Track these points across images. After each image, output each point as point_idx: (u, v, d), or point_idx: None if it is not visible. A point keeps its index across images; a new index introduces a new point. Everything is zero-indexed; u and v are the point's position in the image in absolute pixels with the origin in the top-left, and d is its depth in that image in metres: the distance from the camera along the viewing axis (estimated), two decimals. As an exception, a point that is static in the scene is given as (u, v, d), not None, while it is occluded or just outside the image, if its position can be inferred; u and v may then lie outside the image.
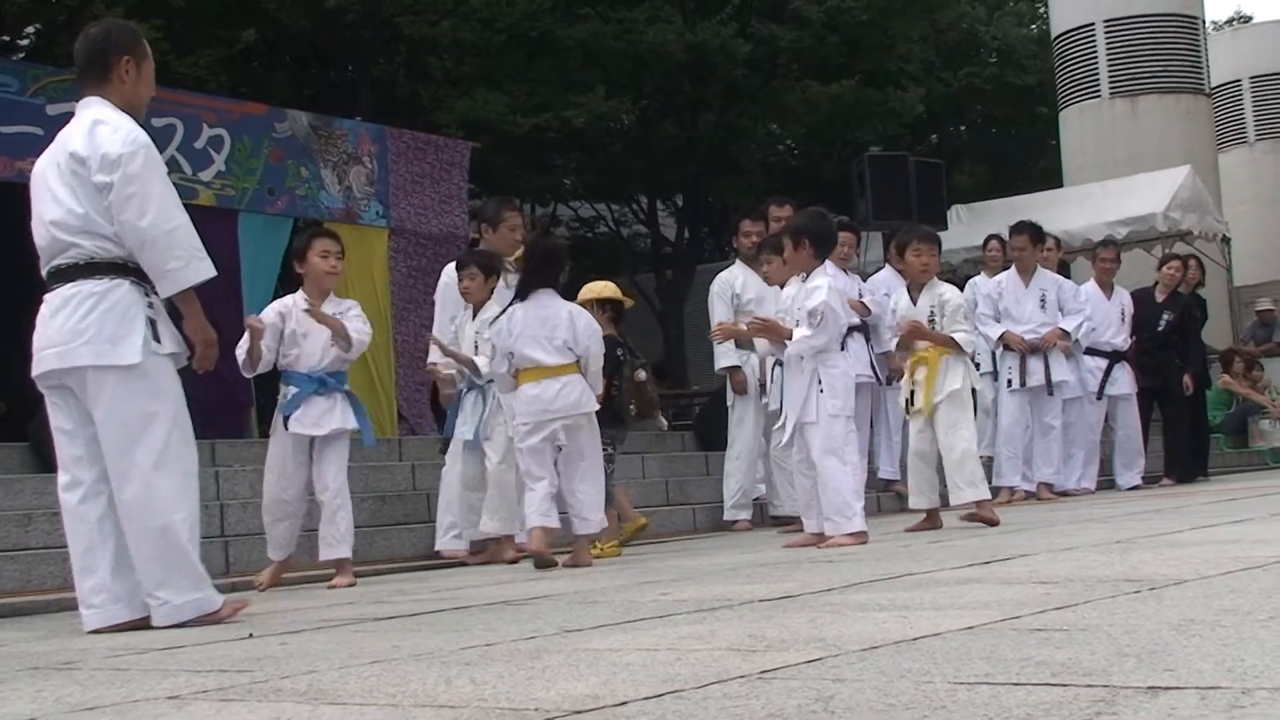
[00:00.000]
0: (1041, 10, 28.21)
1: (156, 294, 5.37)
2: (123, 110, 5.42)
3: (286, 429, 7.41)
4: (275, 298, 12.92)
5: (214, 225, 12.03)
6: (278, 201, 12.38)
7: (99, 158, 5.21)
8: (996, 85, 27.57)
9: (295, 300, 7.61)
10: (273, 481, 7.53)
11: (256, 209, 12.19)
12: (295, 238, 7.82)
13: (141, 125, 5.46)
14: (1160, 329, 13.25)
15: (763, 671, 2.88)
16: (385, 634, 4.40)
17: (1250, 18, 45.03)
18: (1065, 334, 11.73)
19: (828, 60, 22.64)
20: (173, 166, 11.56)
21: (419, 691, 3.00)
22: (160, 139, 11.46)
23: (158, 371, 5.29)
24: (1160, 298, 13.38)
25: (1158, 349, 13.25)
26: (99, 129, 5.28)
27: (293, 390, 7.45)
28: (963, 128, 30.67)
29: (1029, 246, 12.08)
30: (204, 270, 5.33)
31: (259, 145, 12.24)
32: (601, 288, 8.78)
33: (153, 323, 5.31)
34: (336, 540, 7.47)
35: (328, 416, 7.45)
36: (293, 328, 7.47)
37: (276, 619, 5.38)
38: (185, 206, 11.39)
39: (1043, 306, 11.92)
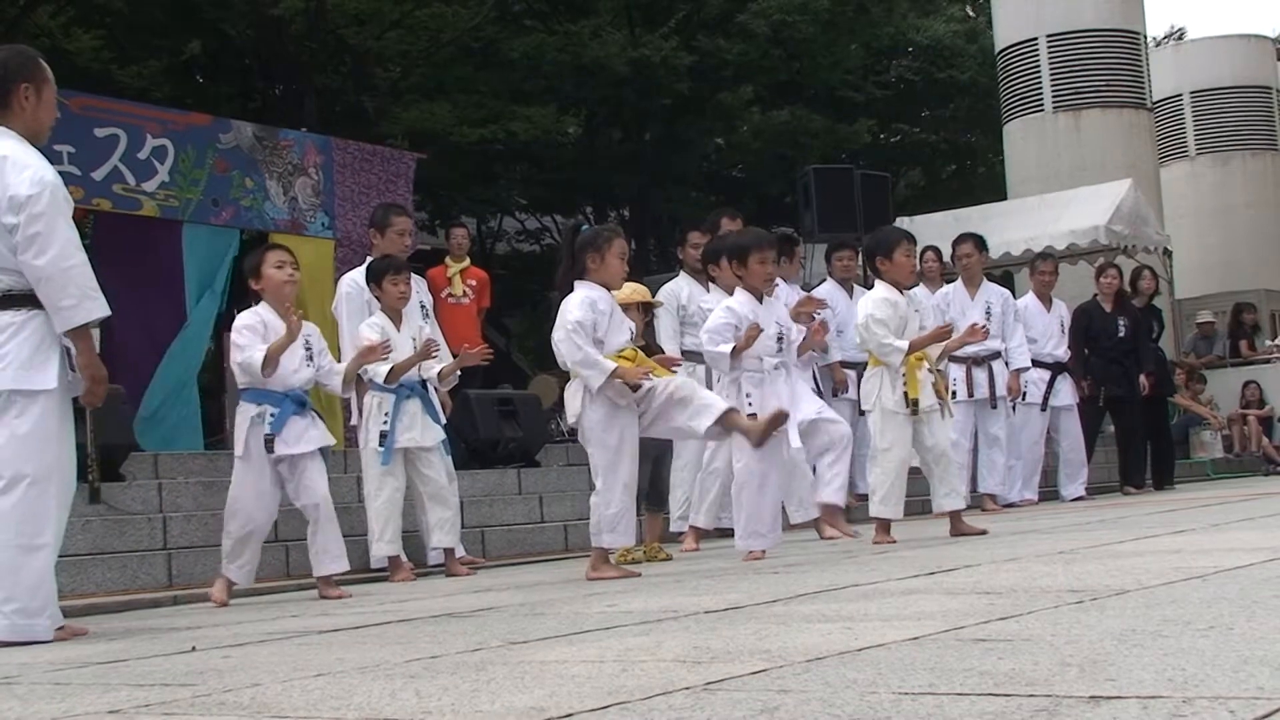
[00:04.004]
0: (981, 21, 28.42)
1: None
2: (26, 138, 5.51)
3: (271, 451, 7.21)
4: (223, 309, 12.93)
5: (158, 236, 11.99)
6: (222, 212, 12.31)
7: (7, 200, 5.30)
8: (927, 79, 27.73)
9: (263, 313, 7.39)
10: (252, 506, 7.28)
11: (201, 220, 12.12)
12: (246, 254, 7.71)
13: (45, 147, 5.57)
14: (1121, 335, 13.36)
15: (708, 683, 2.88)
16: (330, 647, 4.37)
17: (1184, 30, 45.45)
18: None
19: (773, 74, 22.76)
20: (116, 177, 11.49)
21: (363, 704, 2.99)
22: (103, 149, 11.40)
23: (65, 399, 5.48)
24: (1108, 307, 13.50)
25: (1122, 356, 13.38)
26: (6, 168, 5.34)
27: (270, 410, 7.24)
28: (912, 129, 30.83)
29: (975, 253, 12.19)
30: (95, 310, 5.45)
31: (203, 156, 12.17)
32: (645, 292, 8.61)
33: (68, 352, 5.48)
34: (339, 551, 7.40)
35: (309, 434, 7.30)
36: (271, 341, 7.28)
37: (219, 632, 5.34)
38: (129, 218, 11.35)
39: (988, 318, 12.00)
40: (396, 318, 8.54)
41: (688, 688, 2.84)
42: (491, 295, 13.69)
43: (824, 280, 12.27)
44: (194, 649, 4.62)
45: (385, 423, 8.39)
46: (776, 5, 21.47)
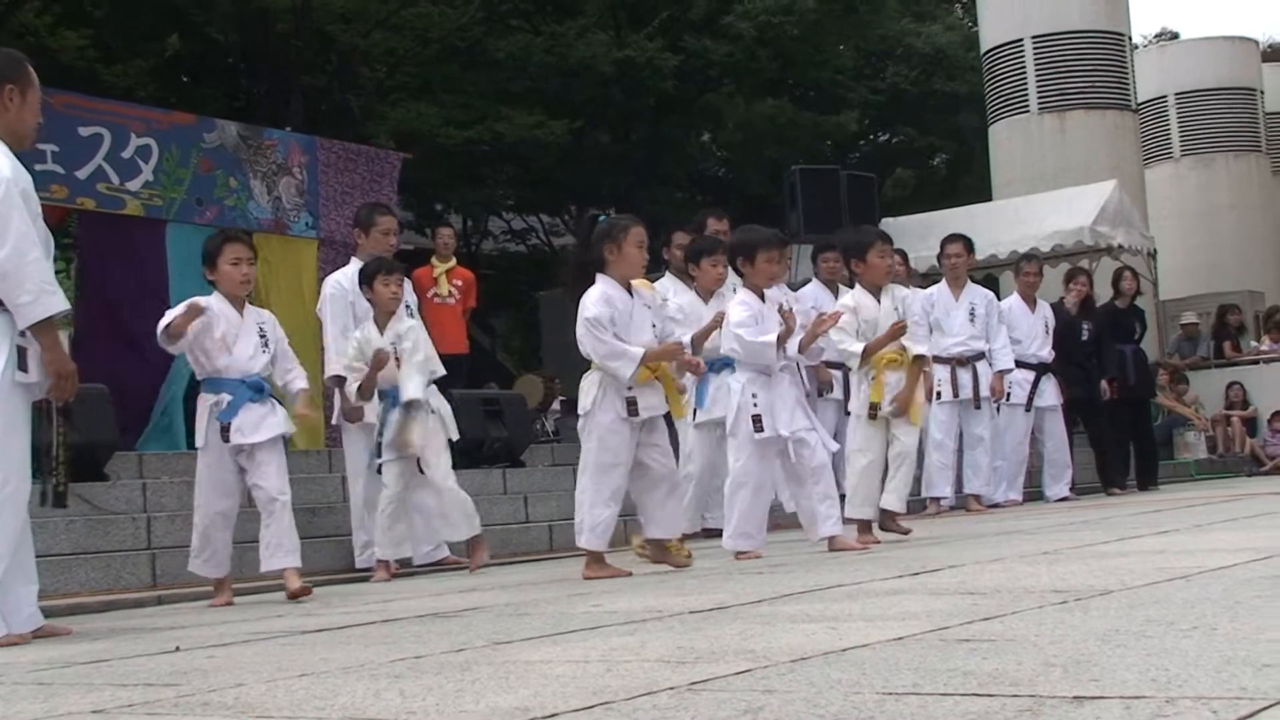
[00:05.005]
0: (969, 24, 28.47)
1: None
2: (7, 139, 5.48)
3: (226, 439, 7.07)
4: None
5: (142, 236, 11.95)
6: (206, 212, 12.29)
7: None
8: (924, 90, 27.73)
9: (216, 302, 7.20)
10: (213, 497, 7.17)
11: (185, 219, 12.09)
12: (206, 242, 7.60)
13: (28, 151, 5.53)
14: (1084, 339, 13.43)
15: (692, 683, 2.89)
16: (314, 647, 4.37)
17: (1177, 34, 45.52)
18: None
19: (760, 74, 22.78)
20: (100, 176, 11.46)
21: (347, 704, 2.98)
22: (87, 148, 11.37)
23: (12, 398, 5.35)
24: (1073, 311, 13.57)
25: (1085, 358, 13.45)
26: None
27: (226, 398, 7.08)
28: (891, 139, 30.84)
29: (964, 254, 12.25)
30: (53, 305, 5.35)
31: (187, 155, 12.14)
32: (648, 285, 8.60)
33: (22, 351, 5.37)
34: (292, 546, 7.19)
35: (267, 421, 7.13)
36: (222, 331, 7.12)
37: (203, 631, 5.33)
38: (113, 217, 11.28)
39: (972, 319, 12.03)
40: (386, 320, 8.48)
41: (672, 688, 2.84)
42: (477, 295, 13.69)
43: (809, 281, 12.27)
44: (178, 649, 4.62)
45: (379, 433, 8.38)
46: (762, 7, 21.49)
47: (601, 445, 6.78)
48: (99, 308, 12.02)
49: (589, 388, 6.84)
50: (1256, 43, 29.22)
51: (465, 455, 10.94)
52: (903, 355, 8.04)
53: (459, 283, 13.08)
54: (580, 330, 6.75)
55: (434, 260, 13.20)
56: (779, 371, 7.35)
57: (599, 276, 6.84)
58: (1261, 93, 27.79)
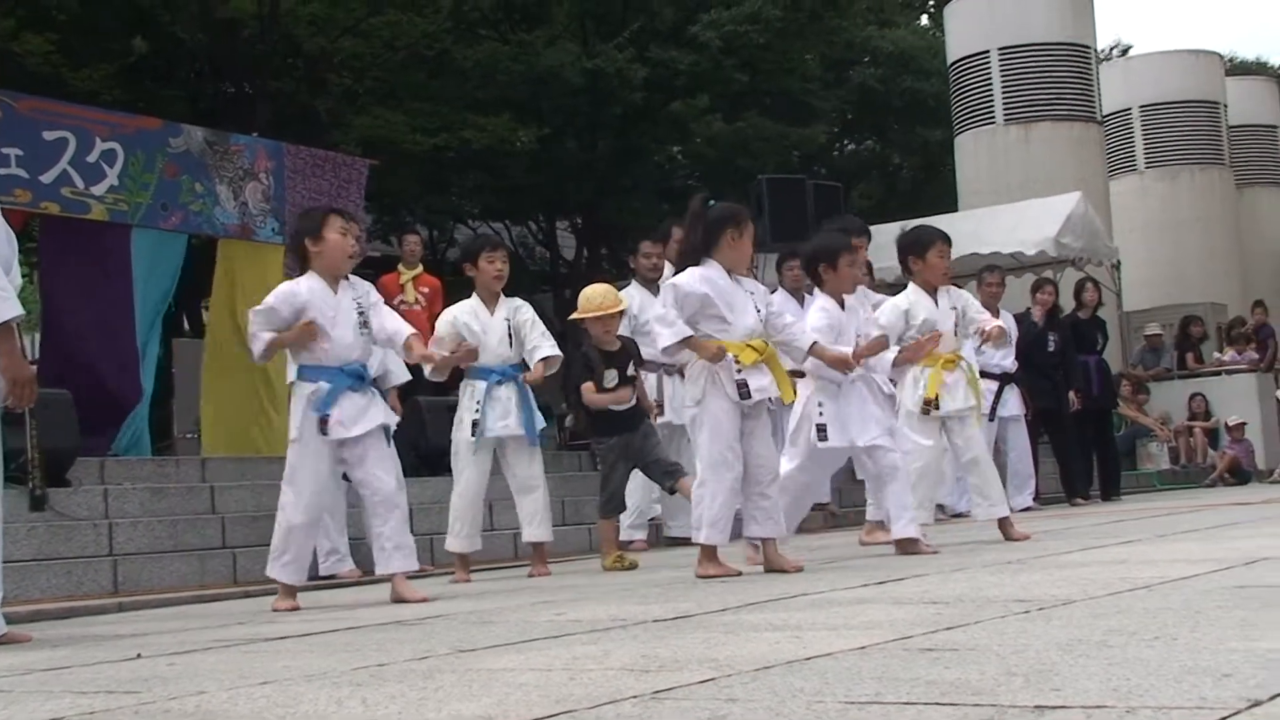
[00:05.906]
0: (935, 32, 28.60)
1: None
2: None
3: (324, 432, 6.53)
4: (170, 314, 12.80)
5: (107, 241, 11.89)
6: (172, 217, 12.22)
7: None
8: (891, 87, 27.78)
9: (307, 284, 6.69)
10: (313, 493, 6.61)
11: (150, 224, 12.02)
12: (303, 219, 7.08)
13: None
14: (1051, 350, 13.51)
15: (656, 692, 2.89)
16: (276, 654, 4.35)
17: (1130, 46, 45.85)
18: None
19: (728, 84, 22.83)
20: (64, 180, 11.39)
21: (309, 712, 2.97)
22: (52, 152, 11.31)
23: None
24: (1040, 322, 13.66)
25: (1051, 369, 13.52)
26: None
27: (325, 386, 6.55)
28: (857, 146, 30.93)
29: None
30: (5, 310, 5.31)
31: (153, 160, 12.07)
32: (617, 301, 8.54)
33: None
34: (410, 548, 6.76)
35: (369, 413, 6.62)
36: (315, 317, 6.61)
37: (165, 639, 5.31)
38: (77, 221, 11.24)
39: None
40: (492, 300, 8.34)
41: (635, 696, 2.84)
42: (444, 302, 13.67)
43: (775, 289, 12.27)
44: (139, 656, 4.59)
45: (477, 411, 8.22)
46: (728, 16, 21.54)
47: (714, 435, 6.49)
48: (62, 313, 11.95)
49: (696, 376, 6.59)
50: (1220, 56, 29.42)
51: (429, 463, 10.91)
52: (959, 357, 8.05)
53: (426, 290, 13.05)
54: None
55: (400, 267, 13.17)
56: (850, 382, 7.22)
57: (704, 260, 6.60)
58: (1225, 106, 27.98)
